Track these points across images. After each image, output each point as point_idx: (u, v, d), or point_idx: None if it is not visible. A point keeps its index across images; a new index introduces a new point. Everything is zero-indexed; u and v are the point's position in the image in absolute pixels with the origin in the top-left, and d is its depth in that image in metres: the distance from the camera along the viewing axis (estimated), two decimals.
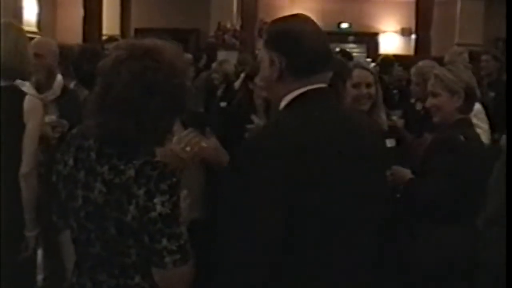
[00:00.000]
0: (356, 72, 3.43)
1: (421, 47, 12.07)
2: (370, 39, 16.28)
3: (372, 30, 16.24)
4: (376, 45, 16.19)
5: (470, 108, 3.00)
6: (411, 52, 13.23)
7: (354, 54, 15.16)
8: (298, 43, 1.89)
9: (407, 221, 2.91)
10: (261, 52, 1.99)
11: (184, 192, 2.02)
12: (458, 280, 2.73)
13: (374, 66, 8.03)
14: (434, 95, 3.02)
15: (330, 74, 1.95)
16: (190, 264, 1.90)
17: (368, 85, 3.47)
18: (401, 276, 2.86)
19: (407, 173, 3.06)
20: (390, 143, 3.49)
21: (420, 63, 5.10)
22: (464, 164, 2.75)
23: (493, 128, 4.36)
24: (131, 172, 1.87)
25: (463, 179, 2.72)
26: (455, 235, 2.72)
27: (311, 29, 1.93)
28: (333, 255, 1.85)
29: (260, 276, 1.75)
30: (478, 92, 3.11)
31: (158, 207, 1.84)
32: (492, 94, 6.36)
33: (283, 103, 1.94)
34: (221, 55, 10.31)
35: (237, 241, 1.77)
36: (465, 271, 2.67)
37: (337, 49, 11.75)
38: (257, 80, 3.00)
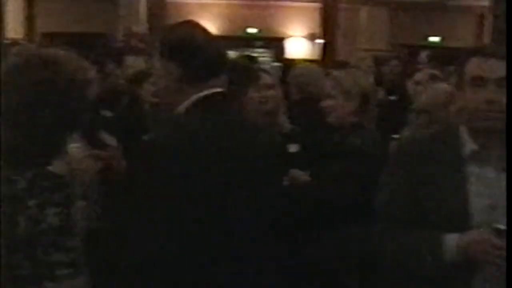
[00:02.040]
0: (260, 76, 3.45)
1: (328, 52, 12.31)
2: (277, 44, 16.43)
3: (280, 35, 16.43)
4: (283, 50, 16.38)
5: (365, 111, 3.05)
6: (317, 57, 13.47)
7: (262, 58, 15.37)
8: (192, 51, 1.91)
9: (304, 224, 2.95)
10: (155, 61, 1.99)
11: (80, 203, 1.99)
12: (356, 279, 2.79)
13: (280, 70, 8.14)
14: (331, 97, 3.07)
15: (226, 78, 1.98)
16: (83, 277, 1.87)
17: (271, 88, 3.52)
18: (299, 277, 2.90)
19: (303, 176, 3.12)
20: (293, 148, 3.53)
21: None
22: (359, 167, 2.80)
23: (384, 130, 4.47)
24: (23, 183, 1.82)
25: (358, 182, 2.77)
26: (353, 236, 2.76)
27: (203, 36, 1.95)
28: (230, 253, 1.91)
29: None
30: (375, 96, 3.18)
31: (50, 219, 1.79)
32: (392, 97, 6.56)
33: (180, 109, 1.95)
34: (129, 60, 10.14)
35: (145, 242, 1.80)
36: (362, 268, 2.72)
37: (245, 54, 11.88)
38: (148, 87, 2.99)
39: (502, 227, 2.07)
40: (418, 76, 5.81)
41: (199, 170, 1.85)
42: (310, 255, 2.90)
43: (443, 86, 3.16)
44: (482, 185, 2.22)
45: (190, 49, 1.91)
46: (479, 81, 2.18)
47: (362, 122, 3.02)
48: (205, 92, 1.93)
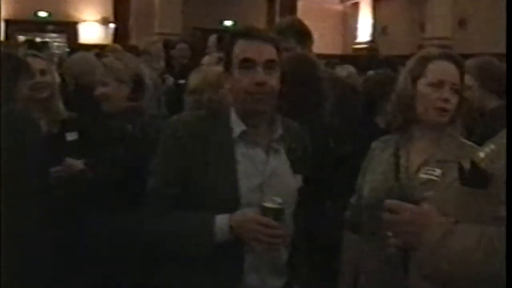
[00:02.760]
0: (30, 62, 3.27)
1: (120, 36, 12.12)
2: (70, 29, 15.80)
3: (72, 19, 15.84)
4: (76, 34, 15.82)
5: (139, 96, 3.00)
6: (110, 41, 13.19)
7: (55, 43, 14.78)
8: None
9: (80, 211, 2.87)
10: None
11: None
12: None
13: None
14: (103, 84, 2.99)
15: None
16: None
17: (44, 74, 3.39)
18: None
19: (78, 165, 3.03)
20: (71, 136, 3.42)
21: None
22: (131, 153, 2.75)
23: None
24: None
25: (130, 167, 2.72)
26: (125, 221, 2.70)
27: None
28: None
29: None
30: (148, 80, 3.11)
31: None
32: (181, 81, 6.57)
33: None
34: None
35: None
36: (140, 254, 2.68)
37: (38, 39, 11.32)
38: None
39: (268, 205, 2.12)
40: (205, 59, 5.88)
41: None
42: (86, 242, 2.82)
43: (212, 68, 3.20)
44: (251, 165, 2.27)
45: None
46: (247, 63, 2.21)
47: (136, 107, 2.97)
48: None
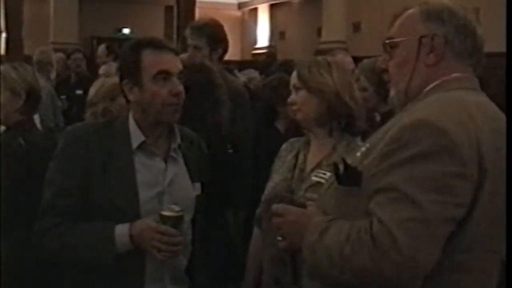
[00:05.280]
0: None
1: (13, 46, 11.70)
2: None
3: None
4: None
5: (32, 109, 2.90)
6: (1, 51, 12.71)
7: None
8: None
9: None
10: None
11: None
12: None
13: None
14: None
15: None
16: None
17: None
18: None
19: None
20: None
21: None
22: (22, 169, 2.64)
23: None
24: None
25: (22, 185, 2.61)
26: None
27: None
28: None
29: None
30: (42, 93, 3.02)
31: None
32: (79, 91, 6.49)
33: None
34: None
35: None
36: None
37: None
38: None
39: (166, 213, 2.14)
40: (103, 68, 5.80)
41: None
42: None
43: (110, 79, 3.14)
44: (150, 175, 2.28)
45: None
46: (163, 75, 2.22)
47: (29, 120, 2.86)
48: None
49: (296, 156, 2.62)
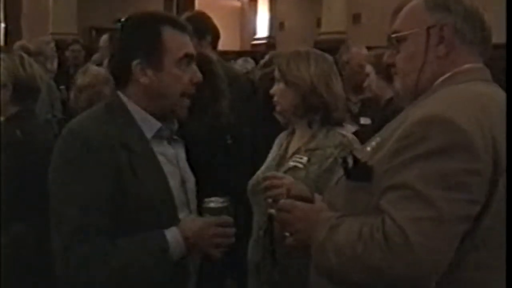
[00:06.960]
0: None
1: (12, 37, 11.68)
2: None
3: None
4: None
5: (27, 99, 2.85)
6: (1, 42, 12.68)
7: None
8: None
9: None
10: None
11: None
12: None
13: None
14: None
15: None
16: None
17: None
18: None
19: None
20: None
21: None
22: (19, 160, 2.60)
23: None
24: None
25: (21, 177, 2.58)
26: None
27: None
28: None
29: None
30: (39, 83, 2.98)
31: None
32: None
33: None
34: None
35: None
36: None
37: None
38: None
39: (213, 205, 1.96)
40: (95, 56, 5.84)
41: None
42: None
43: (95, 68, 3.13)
44: (168, 163, 2.04)
45: None
46: (186, 59, 2.00)
47: (25, 110, 2.83)
48: None
49: (281, 144, 2.71)
